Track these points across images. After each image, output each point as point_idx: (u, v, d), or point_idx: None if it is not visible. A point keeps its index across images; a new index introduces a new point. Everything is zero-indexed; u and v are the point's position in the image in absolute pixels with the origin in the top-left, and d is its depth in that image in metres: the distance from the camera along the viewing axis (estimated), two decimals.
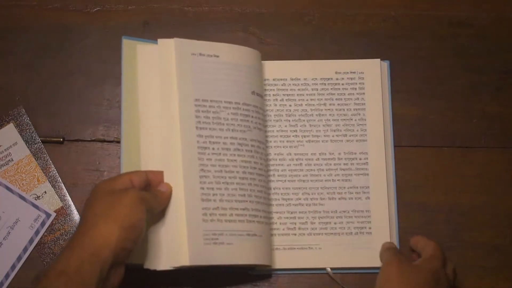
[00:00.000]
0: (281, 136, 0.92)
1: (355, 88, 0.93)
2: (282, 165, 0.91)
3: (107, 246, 0.71)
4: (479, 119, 0.94)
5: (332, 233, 0.89)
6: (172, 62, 0.85)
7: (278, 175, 0.90)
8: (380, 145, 0.91)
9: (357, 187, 0.90)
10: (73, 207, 0.90)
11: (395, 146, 0.92)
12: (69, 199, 0.90)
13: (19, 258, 0.88)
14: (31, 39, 0.94)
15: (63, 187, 0.90)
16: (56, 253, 0.88)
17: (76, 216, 0.90)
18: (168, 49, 0.85)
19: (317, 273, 0.89)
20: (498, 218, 0.92)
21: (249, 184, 0.85)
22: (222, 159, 0.84)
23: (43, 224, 0.89)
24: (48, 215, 0.89)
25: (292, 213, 0.90)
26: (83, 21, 0.95)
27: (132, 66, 0.87)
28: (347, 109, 0.92)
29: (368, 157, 0.91)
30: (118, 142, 0.91)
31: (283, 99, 0.93)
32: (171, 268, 0.81)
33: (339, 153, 0.91)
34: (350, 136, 0.92)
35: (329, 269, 0.88)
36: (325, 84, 0.93)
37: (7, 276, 0.87)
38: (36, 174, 0.90)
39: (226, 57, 0.87)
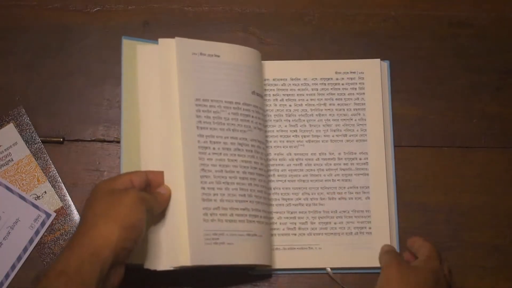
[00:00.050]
0: (281, 136, 0.92)
1: (355, 88, 0.93)
2: (282, 165, 0.91)
3: (107, 246, 0.71)
4: (479, 119, 0.94)
5: (332, 233, 0.89)
6: (173, 61, 0.85)
7: (278, 175, 0.90)
8: (380, 145, 0.91)
9: (357, 187, 0.90)
10: (73, 207, 0.90)
11: (395, 146, 0.92)
12: (69, 199, 0.90)
13: (19, 258, 0.88)
14: (31, 39, 0.94)
15: (63, 187, 0.90)
16: (56, 253, 0.88)
17: (76, 216, 0.90)
18: (169, 49, 0.85)
19: (317, 273, 0.89)
20: (498, 218, 0.92)
21: (250, 184, 0.85)
22: (223, 159, 0.84)
23: (43, 224, 0.89)
24: (48, 215, 0.89)
25: (292, 213, 0.90)
26: (83, 21, 0.95)
27: (132, 66, 0.87)
28: (347, 109, 0.92)
29: (368, 157, 0.91)
30: (118, 142, 0.91)
31: (283, 99, 0.93)
32: (172, 268, 0.81)
33: (339, 153, 0.91)
34: (350, 136, 0.92)
35: (329, 269, 0.88)
36: (325, 84, 0.93)
37: (7, 276, 0.87)
38: (36, 174, 0.90)
39: (227, 57, 0.87)
